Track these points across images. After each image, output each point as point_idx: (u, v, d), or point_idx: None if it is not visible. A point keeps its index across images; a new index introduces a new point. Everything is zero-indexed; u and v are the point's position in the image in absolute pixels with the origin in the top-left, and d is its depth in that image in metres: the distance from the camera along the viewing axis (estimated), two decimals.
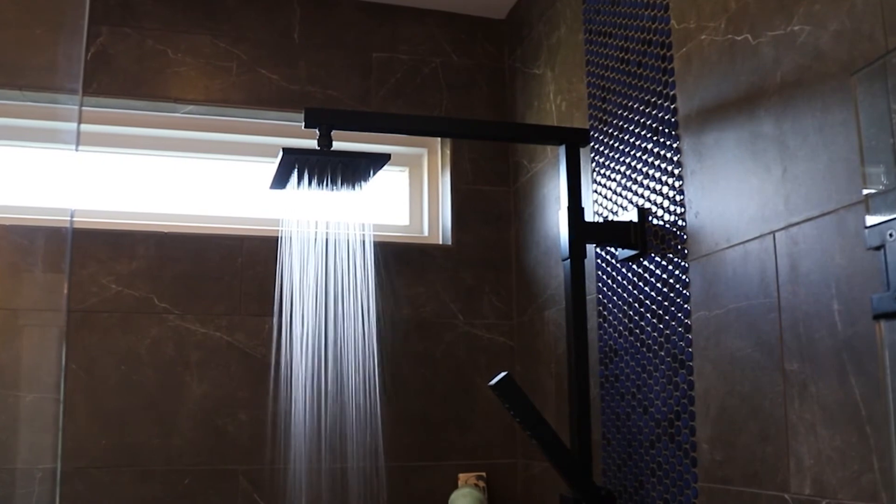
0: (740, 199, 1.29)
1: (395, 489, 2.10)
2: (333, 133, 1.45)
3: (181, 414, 2.02)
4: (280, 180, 1.50)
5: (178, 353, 2.05)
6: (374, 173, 1.47)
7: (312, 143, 1.47)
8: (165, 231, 2.10)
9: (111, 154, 2.22)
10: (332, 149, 1.41)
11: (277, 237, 2.14)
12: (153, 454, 1.99)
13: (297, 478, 2.04)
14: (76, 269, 2.02)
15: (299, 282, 2.13)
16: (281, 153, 1.37)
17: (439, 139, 2.39)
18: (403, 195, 2.40)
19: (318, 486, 2.05)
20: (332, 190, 1.52)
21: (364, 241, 2.15)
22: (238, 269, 2.11)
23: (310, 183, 1.48)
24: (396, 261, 2.21)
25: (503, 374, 1.39)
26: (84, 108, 2.17)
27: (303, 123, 1.45)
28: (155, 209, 2.20)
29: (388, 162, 2.24)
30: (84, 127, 2.19)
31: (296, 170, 1.43)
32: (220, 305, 2.09)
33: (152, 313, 2.05)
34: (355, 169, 1.43)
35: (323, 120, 1.44)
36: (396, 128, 1.54)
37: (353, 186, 1.50)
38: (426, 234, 2.36)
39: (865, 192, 0.99)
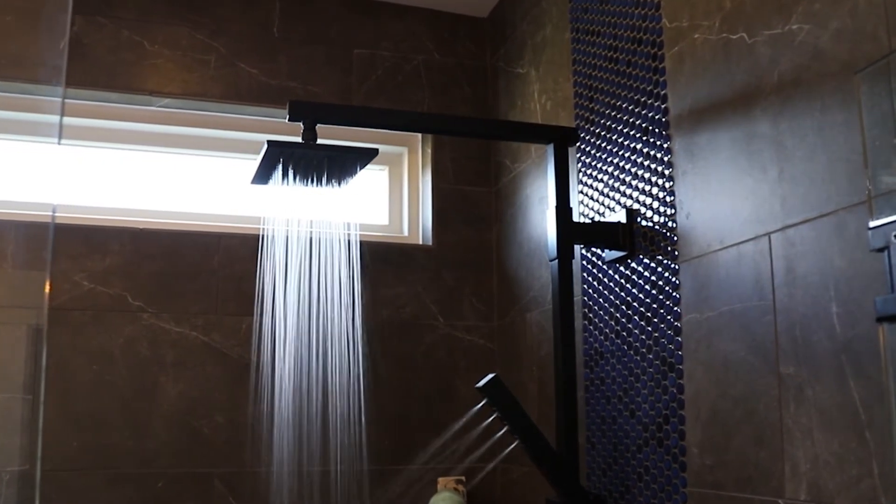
0: (734, 201, 1.28)
1: (374, 493, 2.06)
2: None
3: (155, 415, 1.97)
4: (263, 175, 1.46)
5: (153, 353, 1.99)
6: (361, 168, 1.43)
7: (295, 140, 1.43)
8: (140, 227, 2.05)
9: (84, 147, 2.16)
10: (317, 143, 1.37)
11: (256, 235, 2.10)
12: (126, 456, 1.94)
13: (275, 481, 1.99)
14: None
15: (282, 280, 2.09)
16: (265, 146, 1.33)
17: (420, 138, 2.36)
18: (383, 194, 2.36)
19: (297, 489, 2.01)
20: (317, 186, 1.48)
21: (349, 240, 2.12)
22: (215, 268, 2.07)
23: (294, 178, 1.44)
24: (376, 261, 2.17)
25: (491, 375, 1.36)
26: (56, 99, 2.11)
27: (286, 117, 1.41)
28: (129, 205, 2.14)
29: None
30: (56, 119, 2.12)
31: (280, 164, 1.39)
32: (196, 304, 2.04)
33: (126, 312, 1.99)
34: (341, 164, 1.39)
35: (308, 113, 1.41)
36: (384, 123, 1.50)
37: (338, 182, 1.46)
38: (406, 234, 2.33)
39: (869, 193, 0.97)
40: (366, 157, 1.38)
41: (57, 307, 1.95)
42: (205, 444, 1.98)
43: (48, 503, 1.87)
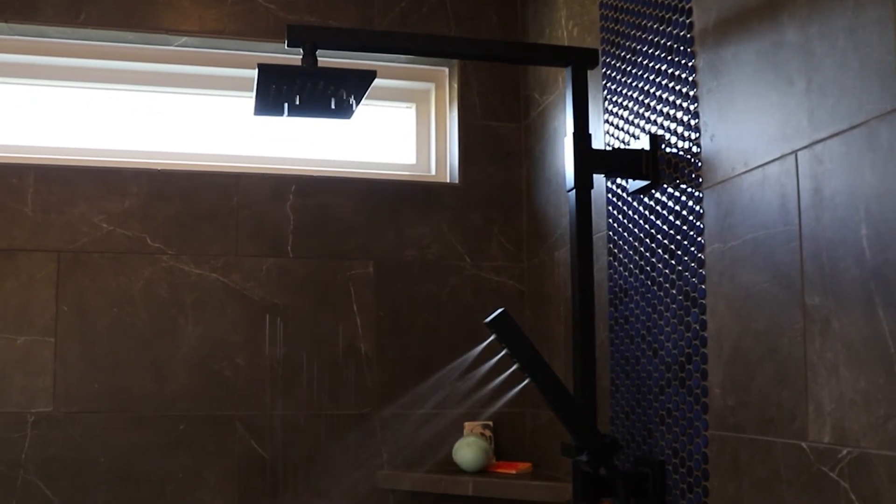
0: (760, 118, 1.16)
1: (400, 437, 2.02)
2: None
3: (176, 358, 1.95)
4: (263, 104, 1.39)
5: (173, 295, 1.96)
6: (361, 95, 1.35)
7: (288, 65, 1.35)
8: (158, 168, 2.01)
9: (102, 90, 2.12)
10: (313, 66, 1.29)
11: (275, 175, 2.04)
12: (147, 399, 1.93)
13: (290, 424, 1.96)
14: (66, 209, 1.94)
15: (294, 221, 2.03)
16: (257, 71, 1.26)
17: (447, 73, 2.26)
18: (410, 133, 2.28)
19: (315, 433, 1.97)
20: (318, 116, 1.40)
21: (358, 177, 2.04)
22: (234, 209, 2.02)
23: (292, 107, 1.37)
24: (401, 200, 2.10)
25: (499, 310, 1.29)
26: (72, 41, 2.07)
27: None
28: (148, 146, 2.11)
29: (394, 100, 2.11)
30: (73, 61, 2.09)
31: (275, 90, 1.31)
32: (216, 245, 2.00)
33: (145, 253, 1.97)
34: (340, 90, 1.31)
35: (307, 37, 1.32)
36: (387, 47, 1.41)
37: (340, 112, 1.39)
38: (433, 172, 2.25)
39: None
40: (364, 80, 1.30)
41: (76, 249, 1.93)
42: (226, 387, 1.96)
43: (70, 445, 1.88)
